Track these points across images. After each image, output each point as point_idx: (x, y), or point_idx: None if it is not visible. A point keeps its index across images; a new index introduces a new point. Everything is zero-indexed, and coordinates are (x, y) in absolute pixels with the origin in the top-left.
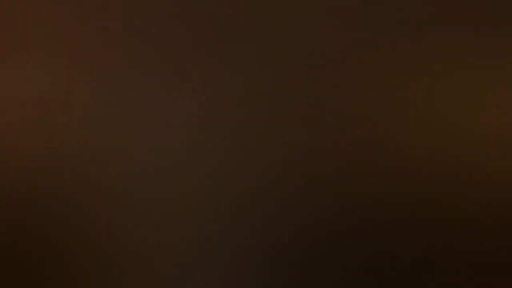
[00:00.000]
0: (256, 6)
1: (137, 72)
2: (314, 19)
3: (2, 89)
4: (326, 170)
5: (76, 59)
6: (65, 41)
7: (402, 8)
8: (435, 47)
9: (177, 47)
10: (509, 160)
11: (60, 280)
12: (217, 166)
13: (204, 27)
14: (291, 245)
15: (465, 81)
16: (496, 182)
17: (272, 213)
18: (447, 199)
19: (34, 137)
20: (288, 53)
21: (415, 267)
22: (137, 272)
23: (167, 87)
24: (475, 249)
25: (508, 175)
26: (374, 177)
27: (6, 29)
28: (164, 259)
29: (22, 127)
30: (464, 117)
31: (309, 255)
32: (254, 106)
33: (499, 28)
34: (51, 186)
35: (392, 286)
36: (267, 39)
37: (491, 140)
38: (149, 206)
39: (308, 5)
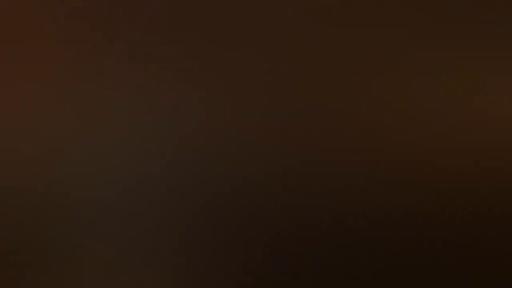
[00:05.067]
0: (254, 5)
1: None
2: (313, 18)
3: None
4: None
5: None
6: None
7: (402, 6)
8: (435, 45)
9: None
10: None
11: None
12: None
13: (204, 30)
14: (292, 243)
15: (465, 79)
16: (499, 181)
17: (270, 209)
18: (449, 196)
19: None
20: (286, 52)
21: (419, 264)
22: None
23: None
24: (476, 247)
25: (509, 173)
26: (376, 175)
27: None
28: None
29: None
30: (464, 115)
31: (310, 254)
32: (248, 103)
33: (500, 25)
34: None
35: (396, 286)
36: (264, 38)
37: (493, 139)
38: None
39: (308, 4)
